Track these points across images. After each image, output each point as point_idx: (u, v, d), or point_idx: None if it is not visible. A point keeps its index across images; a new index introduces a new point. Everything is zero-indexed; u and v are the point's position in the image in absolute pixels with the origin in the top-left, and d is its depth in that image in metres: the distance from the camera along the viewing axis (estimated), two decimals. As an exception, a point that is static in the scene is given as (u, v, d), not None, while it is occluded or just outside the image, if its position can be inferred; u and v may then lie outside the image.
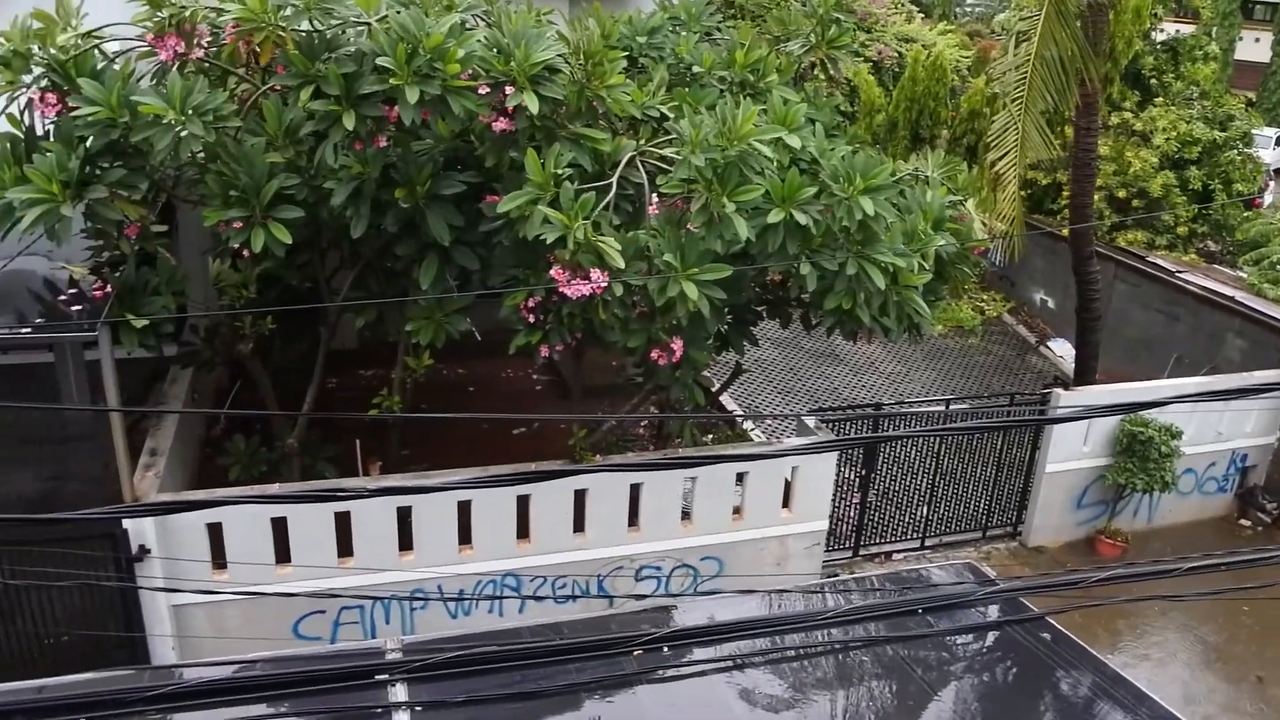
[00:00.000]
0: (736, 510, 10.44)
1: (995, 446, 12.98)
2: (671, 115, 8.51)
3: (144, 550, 8.28)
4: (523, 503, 9.42)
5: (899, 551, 12.80)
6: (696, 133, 7.65)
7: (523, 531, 9.57)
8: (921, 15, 27.00)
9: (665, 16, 10.21)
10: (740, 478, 10.32)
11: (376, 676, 4.22)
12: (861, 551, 12.59)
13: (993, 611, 5.56)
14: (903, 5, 26.24)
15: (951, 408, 13.61)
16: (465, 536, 9.36)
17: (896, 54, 23.06)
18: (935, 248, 8.61)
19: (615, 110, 8.26)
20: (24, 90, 7.57)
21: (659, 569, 10.23)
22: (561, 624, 4.78)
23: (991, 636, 5.43)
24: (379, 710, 4.08)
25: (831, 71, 10.27)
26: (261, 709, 4.20)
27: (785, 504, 10.66)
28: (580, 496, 9.62)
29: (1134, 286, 17.62)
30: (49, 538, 8.21)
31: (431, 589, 9.26)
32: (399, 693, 4.16)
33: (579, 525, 9.75)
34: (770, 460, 10.33)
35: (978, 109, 19.59)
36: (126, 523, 8.20)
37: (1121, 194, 18.26)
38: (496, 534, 9.41)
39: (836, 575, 11.42)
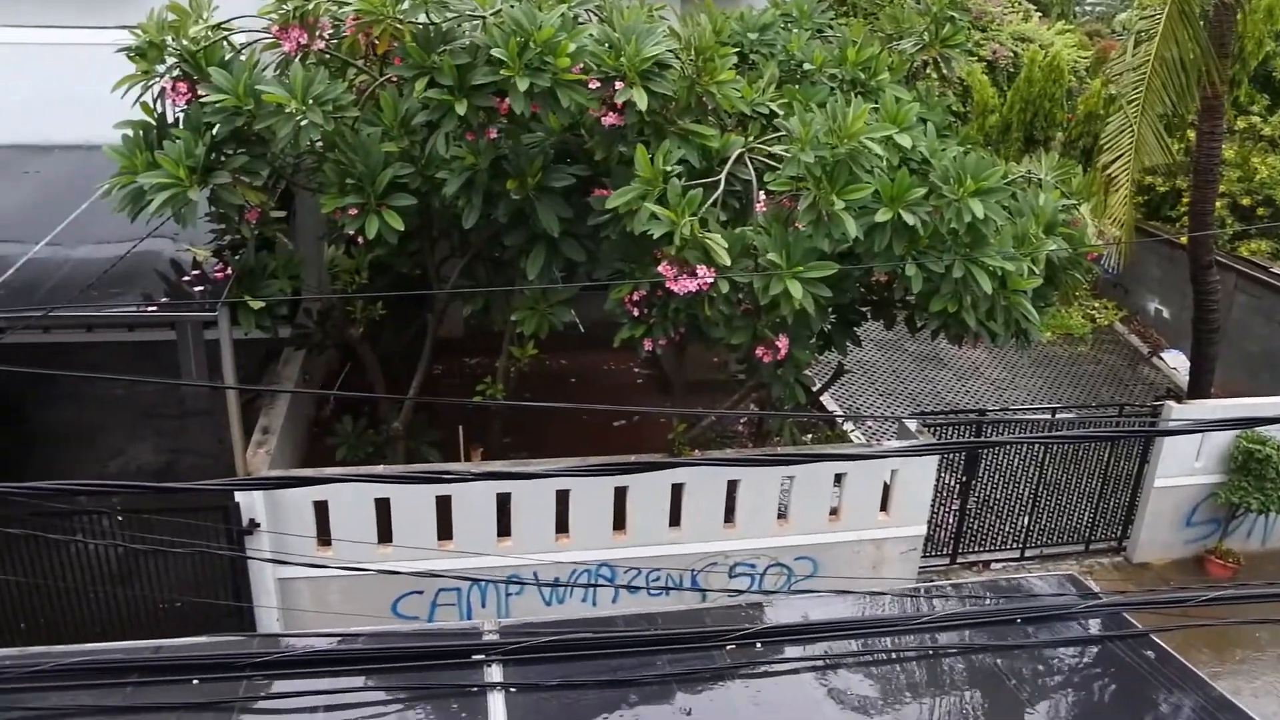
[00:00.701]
0: (833, 511, 10.37)
1: (1102, 458, 12.63)
2: (781, 112, 8.47)
3: (254, 524, 8.57)
4: (620, 494, 9.51)
5: (998, 561, 12.55)
6: (806, 130, 7.62)
7: (619, 523, 9.65)
8: (1039, 14, 26.30)
9: (777, 13, 10.16)
10: (838, 479, 10.25)
11: (473, 656, 4.33)
12: (959, 559, 12.39)
13: (1094, 626, 5.44)
14: (1019, 4, 25.63)
15: (1057, 416, 13.30)
16: (562, 525, 9.49)
17: (1012, 54, 22.54)
18: (1046, 252, 8.43)
19: (725, 106, 8.26)
20: (158, 79, 7.92)
21: (753, 566, 10.22)
22: (655, 615, 4.83)
23: (1092, 651, 5.32)
24: (474, 689, 4.17)
25: (944, 71, 10.11)
26: (361, 681, 4.34)
27: (883, 507, 10.55)
28: (677, 491, 9.66)
29: (1256, 298, 16.94)
30: (167, 507, 8.57)
31: (527, 575, 9.41)
32: (494, 673, 4.26)
33: (675, 519, 9.80)
34: (869, 462, 10.24)
35: (1095, 111, 19.03)
36: (238, 496, 8.49)
37: (1246, 201, 17.56)
38: (593, 524, 9.51)
39: (933, 581, 11.26)
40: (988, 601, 5.41)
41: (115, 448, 11.89)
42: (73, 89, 11.31)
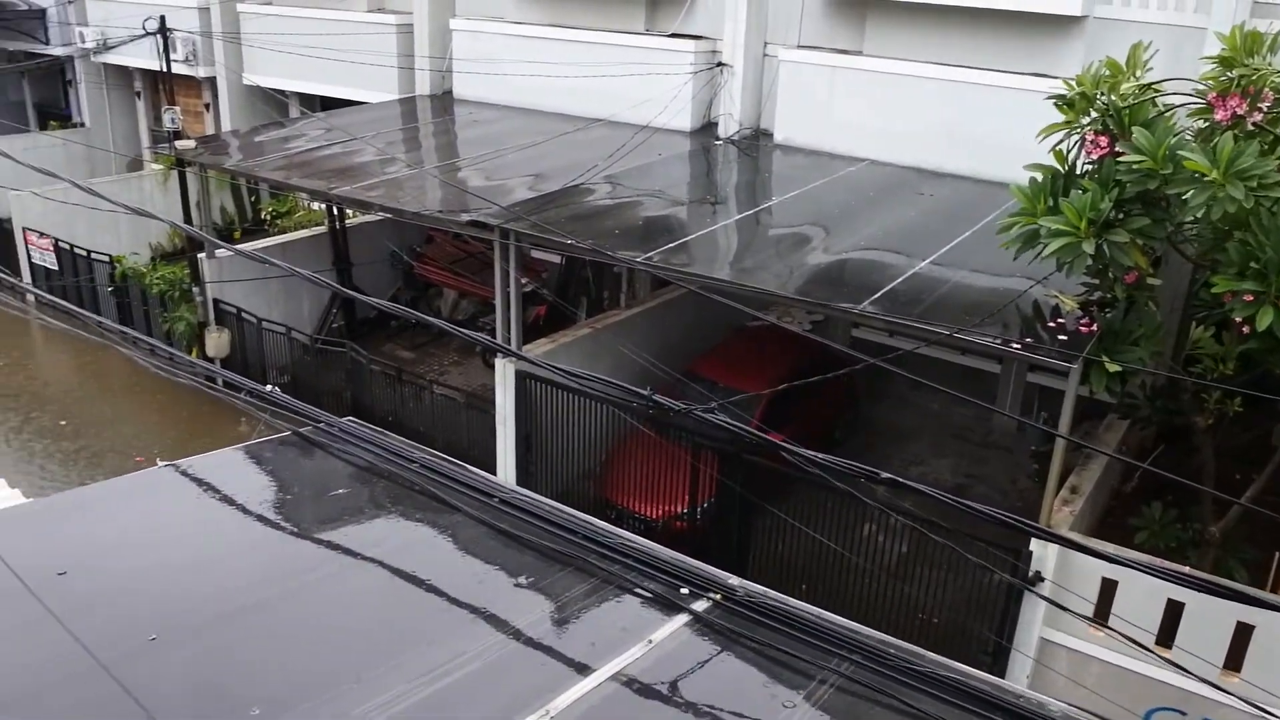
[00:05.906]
0: None
1: None
2: None
3: (1039, 576, 8.52)
4: None
5: None
6: None
7: None
8: None
9: None
10: None
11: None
12: None
13: None
14: None
15: None
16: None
17: None
18: None
19: None
20: (1079, 130, 8.10)
21: None
22: None
23: None
24: None
25: None
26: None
27: None
28: None
29: None
30: (960, 529, 8.82)
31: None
32: None
33: None
34: None
35: None
36: (1034, 545, 8.49)
37: None
38: None
39: None
40: None
41: (919, 456, 12.67)
42: (971, 124, 12.20)
